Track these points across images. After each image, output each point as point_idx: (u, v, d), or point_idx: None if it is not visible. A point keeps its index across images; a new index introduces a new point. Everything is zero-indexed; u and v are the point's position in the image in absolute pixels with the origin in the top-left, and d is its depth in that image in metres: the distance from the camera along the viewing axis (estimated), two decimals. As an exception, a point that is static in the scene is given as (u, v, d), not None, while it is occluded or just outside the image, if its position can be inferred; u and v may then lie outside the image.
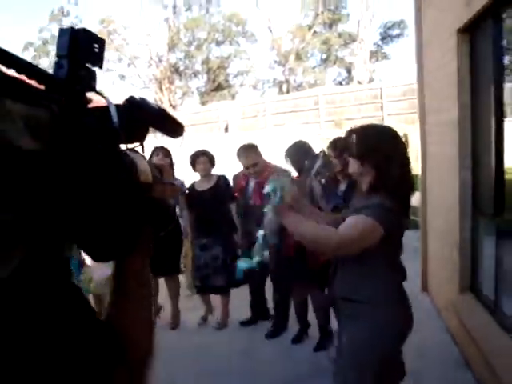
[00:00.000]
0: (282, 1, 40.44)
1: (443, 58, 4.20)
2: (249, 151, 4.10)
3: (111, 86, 47.57)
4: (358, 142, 2.08)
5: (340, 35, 33.16)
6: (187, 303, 5.14)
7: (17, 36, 57.17)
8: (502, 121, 3.28)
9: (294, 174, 3.99)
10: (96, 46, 0.78)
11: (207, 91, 37.33)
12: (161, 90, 35.47)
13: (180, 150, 4.92)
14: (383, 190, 2.01)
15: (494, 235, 3.44)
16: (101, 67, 0.82)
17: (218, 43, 36.32)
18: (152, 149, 4.43)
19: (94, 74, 0.80)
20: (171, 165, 4.45)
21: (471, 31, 3.68)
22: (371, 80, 29.50)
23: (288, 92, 30.77)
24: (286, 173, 3.96)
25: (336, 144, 3.61)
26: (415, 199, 6.71)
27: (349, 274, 2.17)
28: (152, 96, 35.70)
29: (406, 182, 2.08)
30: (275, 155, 4.49)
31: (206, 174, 4.57)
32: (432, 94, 4.83)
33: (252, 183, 4.25)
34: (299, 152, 3.93)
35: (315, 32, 33.12)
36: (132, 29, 34.55)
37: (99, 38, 0.80)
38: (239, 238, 4.50)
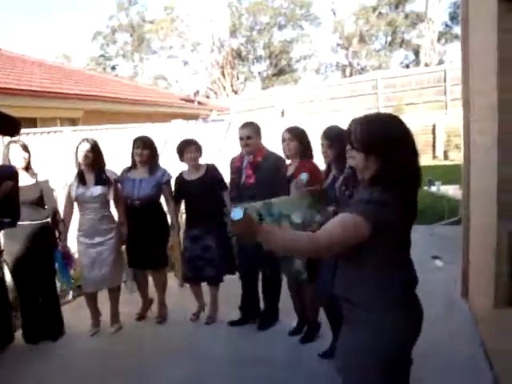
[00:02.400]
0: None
1: (484, 33, 3.64)
2: (248, 125, 4.19)
3: (175, 72, 48.62)
4: (362, 134, 1.89)
5: (407, 16, 31.69)
6: (177, 297, 4.94)
7: (86, 25, 59.35)
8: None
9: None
10: None
11: (269, 76, 37.05)
12: (223, 75, 35.55)
13: (227, 136, 4.72)
14: (384, 182, 1.85)
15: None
16: None
17: (281, 27, 35.85)
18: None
19: None
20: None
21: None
22: (441, 62, 27.95)
23: (351, 76, 29.87)
24: (276, 157, 4.09)
25: (328, 133, 3.43)
26: (458, 192, 6.14)
27: (343, 272, 2.03)
28: (213, 81, 35.92)
29: (411, 175, 1.90)
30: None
31: (195, 164, 4.40)
32: (475, 75, 4.25)
33: (245, 163, 4.15)
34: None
35: (380, 13, 31.86)
36: (195, 15, 34.75)
37: None
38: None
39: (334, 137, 3.36)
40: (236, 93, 34.14)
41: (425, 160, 15.97)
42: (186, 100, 14.45)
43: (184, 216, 4.65)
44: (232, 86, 35.63)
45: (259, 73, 38.23)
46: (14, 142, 4.13)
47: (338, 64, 36.10)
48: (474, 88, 4.43)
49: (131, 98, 12.07)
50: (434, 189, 7.61)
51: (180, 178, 4.48)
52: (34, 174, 4.19)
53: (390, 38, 33.71)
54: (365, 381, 1.93)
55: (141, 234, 4.36)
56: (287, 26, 35.57)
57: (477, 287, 4.24)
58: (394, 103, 18.01)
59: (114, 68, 38.89)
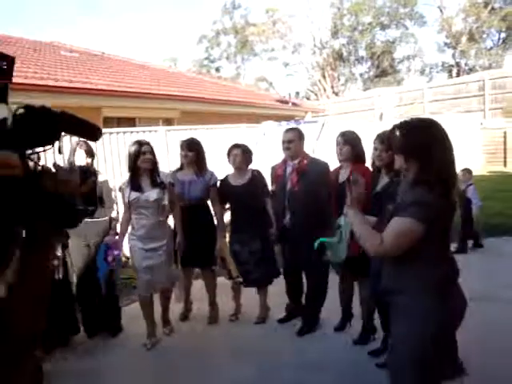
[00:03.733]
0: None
1: None
2: (291, 131, 4.27)
3: (275, 74, 49.19)
4: (401, 138, 2.13)
5: (525, 8, 29.33)
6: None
7: (192, 29, 61.99)
8: None
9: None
10: (4, 63, 1.01)
11: (371, 78, 36.26)
12: (323, 76, 35.38)
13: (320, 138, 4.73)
14: (427, 183, 2.04)
15: None
16: (10, 81, 1.04)
17: (384, 27, 34.89)
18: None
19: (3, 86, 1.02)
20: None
21: None
22: None
23: (458, 77, 28.34)
24: (321, 163, 4.20)
25: (383, 137, 3.45)
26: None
27: (391, 265, 2.24)
28: (314, 83, 35.89)
29: (448, 175, 2.09)
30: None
31: (237, 168, 4.47)
32: None
33: (289, 169, 4.22)
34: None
35: (493, 8, 29.78)
36: (296, 17, 34.91)
37: (6, 55, 1.03)
38: (274, 231, 4.40)
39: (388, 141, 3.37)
40: (337, 94, 33.81)
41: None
42: (281, 101, 14.55)
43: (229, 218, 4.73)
44: (333, 87, 35.34)
45: (361, 74, 37.58)
46: (80, 146, 4.24)
47: (445, 64, 34.44)
48: None
49: (227, 99, 12.40)
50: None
51: (225, 182, 4.55)
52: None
53: (503, 35, 31.50)
54: (410, 362, 2.08)
55: (190, 235, 4.41)
56: (390, 26, 34.54)
57: None
58: (503, 105, 16.82)
59: (217, 70, 40.17)
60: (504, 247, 6.83)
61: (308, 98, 34.60)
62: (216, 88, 13.76)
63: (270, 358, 3.90)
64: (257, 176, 4.49)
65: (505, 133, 15.85)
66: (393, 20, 33.83)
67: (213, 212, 4.64)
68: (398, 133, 2.13)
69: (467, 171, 6.95)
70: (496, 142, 16.03)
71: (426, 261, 2.10)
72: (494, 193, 9.73)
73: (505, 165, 15.91)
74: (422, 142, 2.07)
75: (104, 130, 6.78)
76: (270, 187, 4.50)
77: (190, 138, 4.65)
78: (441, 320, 2.07)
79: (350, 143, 3.89)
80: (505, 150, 15.98)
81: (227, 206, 4.65)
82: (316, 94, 35.55)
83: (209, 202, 4.63)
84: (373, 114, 20.58)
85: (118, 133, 6.87)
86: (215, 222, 4.62)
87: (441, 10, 32.35)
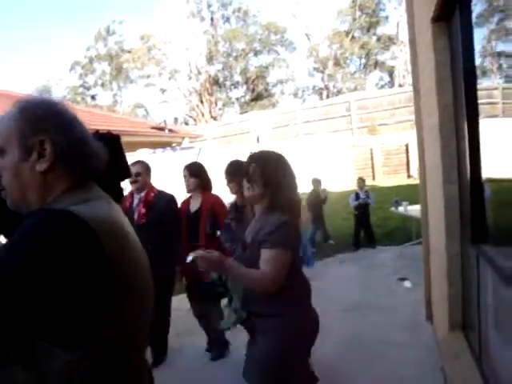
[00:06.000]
0: (319, 7, 39.85)
1: (425, 54, 3.61)
2: (138, 163, 4.25)
3: (152, 100, 48.66)
4: (259, 168, 2.26)
5: (379, 39, 32.28)
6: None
7: (65, 56, 59.63)
8: (477, 123, 2.69)
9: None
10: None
11: (247, 101, 37.28)
12: (201, 101, 35.70)
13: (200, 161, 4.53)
14: (279, 208, 2.21)
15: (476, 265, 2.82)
16: None
17: (257, 53, 36.25)
18: None
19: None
20: None
21: (447, 20, 3.09)
22: (415, 83, 28.33)
23: (328, 98, 30.17)
24: (168, 196, 4.22)
25: (228, 169, 3.74)
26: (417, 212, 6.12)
27: (251, 290, 2.27)
28: (192, 108, 36.07)
29: (295, 201, 2.32)
30: (305, 164, 4.30)
31: None
32: (422, 95, 4.24)
33: (136, 201, 4.22)
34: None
35: (353, 37, 32.36)
36: (172, 43, 35.03)
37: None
38: None
39: (232, 172, 3.66)
40: (215, 119, 34.24)
41: (399, 180, 16.02)
42: (157, 128, 14.25)
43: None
44: (211, 112, 35.76)
45: (237, 99, 38.52)
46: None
47: (315, 87, 36.53)
48: (422, 107, 4.42)
49: (99, 128, 11.91)
50: (401, 209, 7.58)
51: None
52: None
53: (364, 61, 34.23)
54: (281, 376, 2.15)
55: None
56: (263, 52, 35.99)
57: (437, 310, 4.13)
58: (368, 124, 18.14)
59: (93, 98, 38.87)
60: (373, 257, 7.26)
61: (187, 124, 34.67)
62: (88, 117, 13.17)
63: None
64: None
65: (371, 149, 17.11)
66: (265, 46, 35.25)
67: None
68: (255, 165, 2.27)
69: (362, 180, 8.53)
70: (364, 158, 17.22)
71: (290, 282, 2.17)
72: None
73: (373, 178, 17.13)
74: (276, 171, 2.25)
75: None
76: None
77: None
78: (305, 333, 2.23)
79: (195, 175, 4.09)
80: (372, 165, 17.25)
81: None
82: (194, 119, 35.75)
83: None
84: (250, 136, 21.06)
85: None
86: None
87: (308, 38, 34.37)
